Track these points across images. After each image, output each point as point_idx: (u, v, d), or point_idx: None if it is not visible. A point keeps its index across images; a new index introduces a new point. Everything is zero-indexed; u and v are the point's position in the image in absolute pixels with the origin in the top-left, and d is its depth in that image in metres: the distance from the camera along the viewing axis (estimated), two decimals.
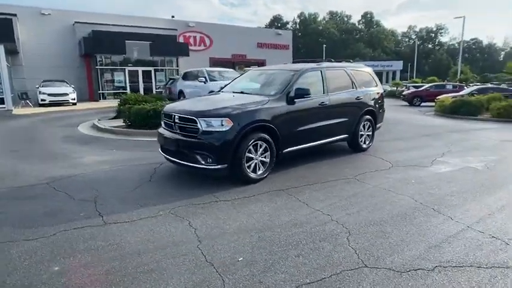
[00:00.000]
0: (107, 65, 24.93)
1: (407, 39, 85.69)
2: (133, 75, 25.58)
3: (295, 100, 5.22)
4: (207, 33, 30.36)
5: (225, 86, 6.65)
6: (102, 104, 20.99)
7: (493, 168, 5.60)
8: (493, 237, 3.17)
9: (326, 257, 2.83)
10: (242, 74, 7.53)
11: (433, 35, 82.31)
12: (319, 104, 5.64)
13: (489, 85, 24.02)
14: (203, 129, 4.52)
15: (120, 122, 10.46)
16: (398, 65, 53.32)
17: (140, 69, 25.76)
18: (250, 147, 4.66)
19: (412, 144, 7.75)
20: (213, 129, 4.50)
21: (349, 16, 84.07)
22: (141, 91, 23.84)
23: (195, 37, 29.92)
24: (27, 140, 8.82)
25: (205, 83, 12.59)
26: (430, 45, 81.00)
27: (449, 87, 22.41)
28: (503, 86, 19.58)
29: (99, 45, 22.90)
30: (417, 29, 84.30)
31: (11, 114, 15.01)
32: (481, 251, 2.91)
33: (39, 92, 19.36)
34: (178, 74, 24.14)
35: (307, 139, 5.56)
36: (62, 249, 2.99)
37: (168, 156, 5.13)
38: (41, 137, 9.18)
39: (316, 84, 5.70)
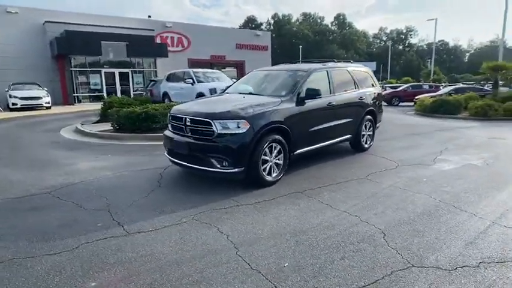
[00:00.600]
0: (82, 67, 23.93)
1: (378, 41, 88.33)
2: (109, 77, 24.71)
3: (305, 101, 5.19)
4: (184, 33, 29.79)
5: (227, 87, 6.52)
6: (78, 107, 20.13)
7: (492, 165, 5.82)
8: None
9: (371, 259, 2.80)
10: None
11: (403, 36, 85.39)
12: (327, 105, 5.63)
13: (460, 85, 25.17)
14: (218, 131, 4.37)
15: (105, 126, 10.22)
16: (371, 66, 53.79)
17: (117, 70, 24.92)
18: (266, 149, 4.58)
19: (407, 143, 7.93)
20: (229, 132, 4.37)
21: (322, 18, 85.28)
22: (118, 94, 23.02)
23: (172, 38, 29.29)
24: (8, 146, 8.28)
25: (192, 84, 12.33)
26: (400, 47, 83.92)
27: (425, 87, 23.37)
28: (477, 86, 20.56)
29: (73, 46, 21.90)
30: (388, 31, 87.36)
31: None
32: None
33: (10, 95, 18.34)
34: (157, 76, 23.59)
35: (316, 140, 5.54)
36: (92, 263, 2.78)
37: (177, 160, 4.94)
38: (23, 143, 8.65)
39: (323, 85, 5.68)
